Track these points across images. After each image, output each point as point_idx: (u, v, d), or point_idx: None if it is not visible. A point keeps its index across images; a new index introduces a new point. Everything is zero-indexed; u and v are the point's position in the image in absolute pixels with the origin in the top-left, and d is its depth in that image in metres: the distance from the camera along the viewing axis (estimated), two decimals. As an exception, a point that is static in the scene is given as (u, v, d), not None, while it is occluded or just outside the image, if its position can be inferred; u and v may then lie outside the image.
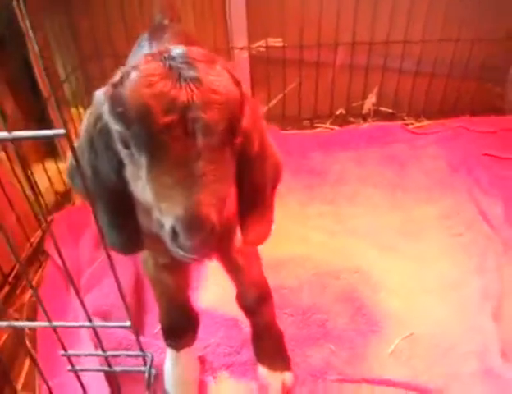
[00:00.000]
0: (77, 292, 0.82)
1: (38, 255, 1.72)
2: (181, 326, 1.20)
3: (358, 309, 1.48)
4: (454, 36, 2.12)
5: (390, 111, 2.33)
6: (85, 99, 2.21)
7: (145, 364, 0.91)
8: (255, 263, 1.17)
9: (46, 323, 0.84)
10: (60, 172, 1.88)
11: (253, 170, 0.85)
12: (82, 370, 0.94)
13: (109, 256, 0.73)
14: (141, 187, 0.73)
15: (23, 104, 1.88)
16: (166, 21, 1.53)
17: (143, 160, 0.70)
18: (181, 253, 0.70)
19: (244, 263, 1.11)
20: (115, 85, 0.72)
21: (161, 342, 1.37)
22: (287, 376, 1.25)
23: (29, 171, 1.64)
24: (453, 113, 2.27)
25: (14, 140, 0.61)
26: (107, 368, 0.92)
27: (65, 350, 0.90)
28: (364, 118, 2.35)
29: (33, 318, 1.51)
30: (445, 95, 2.27)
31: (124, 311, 1.43)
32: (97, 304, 1.48)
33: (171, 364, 1.23)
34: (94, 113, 0.78)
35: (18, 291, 1.60)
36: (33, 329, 1.43)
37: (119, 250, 0.89)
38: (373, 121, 2.33)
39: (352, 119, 2.35)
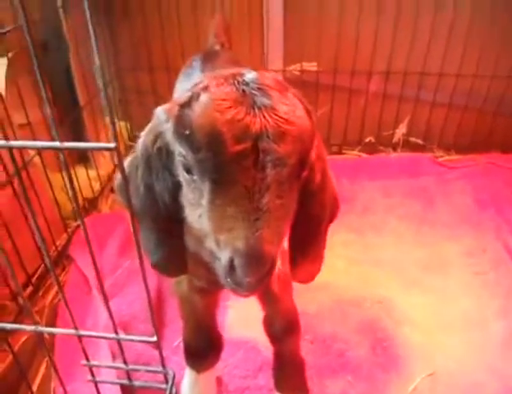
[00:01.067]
0: (106, 300, 0.82)
1: (62, 259, 1.74)
2: (205, 347, 1.18)
3: (380, 340, 1.45)
4: (490, 72, 2.11)
5: (421, 142, 2.32)
6: (119, 109, 2.26)
7: (166, 381, 0.90)
8: (288, 291, 1.14)
9: (72, 331, 0.84)
10: (89, 179, 1.91)
11: (313, 204, 0.80)
12: (102, 382, 0.93)
13: (143, 268, 0.72)
14: (198, 214, 0.69)
15: (60, 113, 1.93)
16: (217, 47, 1.54)
17: (206, 187, 0.66)
18: (233, 286, 0.67)
19: (277, 290, 1.07)
20: (182, 106, 0.68)
21: (179, 358, 1.36)
22: (305, 408, 1.22)
23: (66, 177, 1.67)
24: (484, 149, 2.24)
25: (62, 150, 0.62)
26: (127, 382, 0.91)
27: (87, 360, 0.89)
28: (394, 148, 2.33)
29: (52, 321, 1.52)
30: (477, 130, 2.25)
31: (144, 323, 1.45)
32: (117, 314, 1.47)
33: (190, 384, 1.22)
34: (154, 130, 0.76)
35: (40, 293, 1.61)
36: (52, 334, 1.44)
37: (161, 271, 0.88)
38: (403, 151, 2.31)
39: (381, 148, 2.33)
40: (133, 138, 2.27)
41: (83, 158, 2.03)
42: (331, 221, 0.90)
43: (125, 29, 2.13)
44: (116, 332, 0.85)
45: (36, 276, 1.64)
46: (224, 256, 0.64)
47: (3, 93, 1.52)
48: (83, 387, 1.25)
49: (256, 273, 0.63)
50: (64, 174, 1.75)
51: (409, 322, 1.51)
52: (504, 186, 2.07)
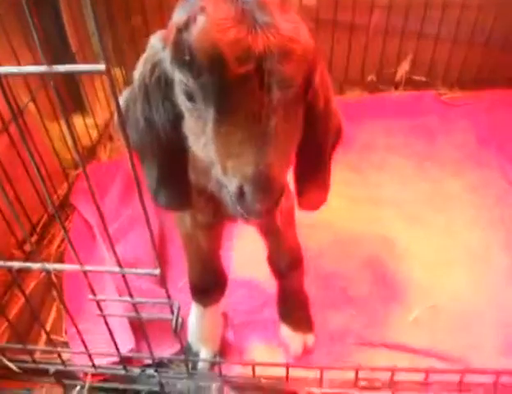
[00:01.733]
0: (110, 239, 0.83)
1: (64, 208, 1.74)
2: (210, 284, 1.20)
3: (381, 276, 1.47)
4: (496, 2, 2.01)
5: (424, 79, 2.25)
6: (112, 55, 2.20)
7: (171, 312, 0.92)
8: (291, 226, 1.15)
9: (77, 266, 0.85)
10: (87, 127, 1.89)
11: (318, 129, 0.78)
12: (110, 315, 0.96)
13: (145, 209, 0.70)
14: (203, 143, 0.67)
15: (51, 58, 1.87)
16: None
17: (210, 114, 0.64)
18: (243, 213, 0.66)
19: (281, 226, 1.07)
20: (179, 30, 0.65)
21: (184, 296, 1.39)
22: (309, 337, 1.26)
23: (64, 123, 1.64)
24: (489, 85, 2.17)
25: (52, 75, 0.60)
26: (134, 315, 0.93)
27: (94, 295, 0.91)
28: (396, 86, 2.27)
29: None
30: (482, 66, 2.17)
31: (148, 265, 1.47)
32: (122, 257, 1.49)
33: (196, 319, 1.25)
34: (151, 60, 0.73)
35: (45, 242, 1.63)
36: (59, 277, 1.47)
37: (165, 207, 0.87)
38: (405, 89, 2.25)
39: (383, 86, 2.27)
40: (128, 83, 2.21)
41: (79, 106, 1.99)
42: (334, 147, 0.88)
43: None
44: (121, 266, 0.86)
45: (40, 225, 1.65)
46: (233, 183, 0.63)
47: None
48: (93, 326, 1.28)
49: (266, 199, 0.62)
50: (62, 122, 1.73)
51: (410, 259, 1.53)
52: (508, 123, 2.03)
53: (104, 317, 0.95)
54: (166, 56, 0.69)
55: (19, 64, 1.46)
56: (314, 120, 0.76)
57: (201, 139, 0.68)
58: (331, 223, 1.64)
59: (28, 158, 1.49)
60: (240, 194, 0.63)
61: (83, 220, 1.68)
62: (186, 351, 1.24)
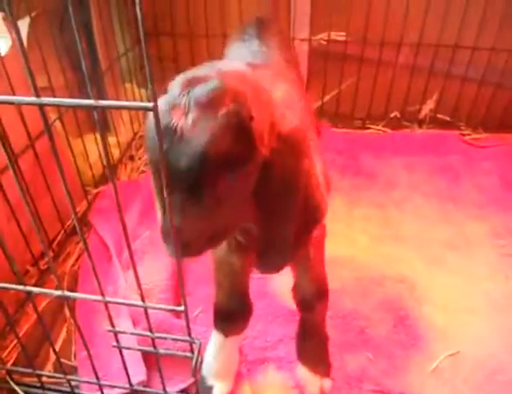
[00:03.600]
0: (133, 264, 0.81)
1: (82, 226, 1.72)
2: (237, 311, 1.18)
3: (401, 319, 1.43)
4: (526, 46, 2.01)
5: (448, 119, 2.24)
6: (139, 76, 2.22)
7: (191, 351, 0.88)
8: (320, 257, 1.14)
9: (99, 297, 0.83)
10: (109, 146, 1.89)
11: (273, 201, 0.79)
12: (127, 348, 0.93)
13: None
14: None
15: (79, 75, 1.89)
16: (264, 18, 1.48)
17: None
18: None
19: (312, 255, 1.07)
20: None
21: (199, 327, 1.36)
22: (326, 382, 1.21)
23: (100, 137, 1.64)
24: (514, 128, 2.16)
25: (97, 108, 0.58)
26: (152, 350, 0.90)
27: (112, 326, 0.88)
28: (419, 124, 2.26)
29: (72, 288, 1.52)
30: (508, 109, 2.16)
31: (163, 292, 1.44)
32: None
33: (216, 349, 1.21)
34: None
35: (60, 260, 1.61)
36: (72, 300, 1.44)
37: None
38: (429, 127, 2.24)
39: (406, 123, 2.26)
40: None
41: (102, 124, 2.00)
42: (307, 227, 0.90)
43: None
44: (143, 300, 0.83)
45: (56, 242, 1.63)
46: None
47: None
48: (104, 353, 1.25)
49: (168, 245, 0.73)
50: (85, 139, 1.73)
51: (431, 302, 1.48)
52: (533, 167, 2.01)
53: (120, 349, 0.93)
54: None
55: (50, 82, 1.47)
56: (268, 191, 0.77)
57: None
58: (353, 260, 1.61)
59: (50, 175, 1.49)
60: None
61: (99, 240, 1.66)
62: (199, 385, 1.21)
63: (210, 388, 1.20)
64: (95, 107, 0.57)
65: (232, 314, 1.18)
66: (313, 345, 1.24)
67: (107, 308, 0.85)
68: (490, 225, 1.78)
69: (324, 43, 2.11)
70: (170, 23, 2.12)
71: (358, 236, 1.72)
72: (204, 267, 1.58)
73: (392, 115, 2.27)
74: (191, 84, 0.68)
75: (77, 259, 1.64)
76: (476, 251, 1.68)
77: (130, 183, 1.93)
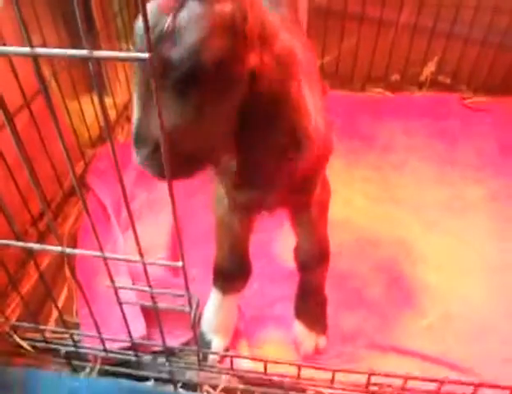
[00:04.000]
0: (132, 221, 0.81)
1: (79, 187, 1.72)
2: (236, 270, 1.19)
3: (395, 279, 1.46)
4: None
5: (449, 82, 2.21)
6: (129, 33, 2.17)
7: (190, 306, 0.90)
8: (324, 219, 1.15)
9: (98, 253, 0.84)
10: (106, 107, 1.86)
11: (258, 119, 0.76)
12: (127, 303, 0.95)
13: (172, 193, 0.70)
14: None
15: (74, 36, 1.85)
16: None
17: None
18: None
19: (314, 217, 1.08)
20: None
21: (194, 286, 1.38)
22: (321, 339, 1.25)
23: (97, 93, 1.63)
24: (515, 91, 2.13)
25: (92, 59, 0.58)
26: (151, 304, 0.92)
27: (112, 282, 0.90)
28: (420, 87, 2.23)
29: (73, 248, 1.53)
30: (511, 71, 2.13)
31: (162, 250, 1.46)
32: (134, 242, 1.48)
33: (214, 306, 1.24)
34: None
35: (59, 220, 1.62)
36: (72, 258, 1.46)
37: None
38: (429, 90, 2.21)
39: (407, 86, 2.23)
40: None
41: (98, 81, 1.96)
42: (287, 153, 0.84)
43: None
44: (142, 256, 0.84)
45: (54, 203, 1.64)
46: None
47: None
48: (105, 309, 1.28)
49: (138, 150, 0.73)
50: (81, 100, 1.71)
51: (425, 264, 1.51)
52: (532, 131, 2.00)
53: (120, 304, 0.95)
54: None
55: (43, 39, 1.44)
56: (258, 118, 0.75)
57: None
58: (351, 222, 1.63)
59: (46, 136, 1.48)
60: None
61: (97, 201, 1.67)
62: (198, 340, 1.21)
63: (209, 342, 1.24)
64: (89, 58, 0.56)
65: (231, 274, 1.20)
66: (311, 305, 1.27)
67: (106, 264, 0.86)
68: (487, 188, 1.79)
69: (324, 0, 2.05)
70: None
71: (356, 197, 1.73)
72: (200, 228, 1.60)
73: (392, 77, 2.24)
74: None
75: (76, 220, 1.65)
76: (472, 214, 1.70)
77: (126, 144, 1.89)
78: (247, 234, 1.16)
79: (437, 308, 1.38)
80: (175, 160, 0.65)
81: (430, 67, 2.18)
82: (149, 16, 0.59)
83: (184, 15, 0.63)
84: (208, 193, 1.19)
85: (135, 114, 0.70)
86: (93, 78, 0.61)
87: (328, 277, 1.41)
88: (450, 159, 1.91)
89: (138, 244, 0.83)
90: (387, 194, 1.74)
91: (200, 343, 1.23)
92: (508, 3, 1.96)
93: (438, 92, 2.20)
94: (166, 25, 0.63)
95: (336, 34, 2.12)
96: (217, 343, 1.23)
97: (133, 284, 1.34)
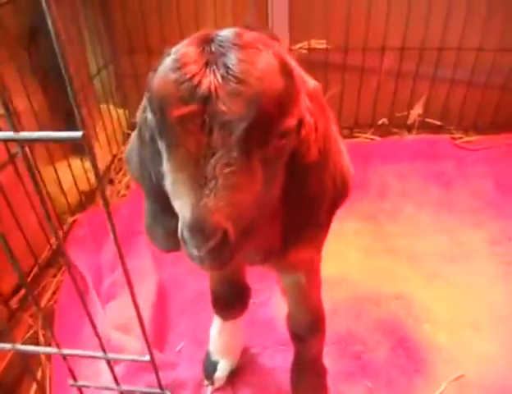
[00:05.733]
0: (92, 323, 0.71)
1: (57, 258, 1.63)
2: (231, 297, 1.16)
3: (400, 341, 1.33)
4: (513, 45, 1.94)
5: (438, 123, 2.17)
6: (116, 96, 2.13)
7: (164, 402, 0.79)
8: (315, 284, 1.06)
9: (55, 350, 0.73)
10: (85, 171, 1.80)
11: (308, 182, 0.72)
12: (93, 402, 0.83)
13: (126, 271, 0.61)
14: (165, 180, 0.66)
15: (52, 100, 1.81)
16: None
17: (164, 151, 0.64)
18: (191, 260, 0.61)
19: (304, 281, 0.99)
20: (154, 68, 0.65)
21: (183, 363, 1.29)
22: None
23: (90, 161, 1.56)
24: (506, 129, 2.09)
25: (21, 142, 0.50)
26: (120, 403, 0.81)
27: (75, 380, 0.79)
28: (409, 130, 2.19)
29: (49, 324, 1.42)
30: (499, 109, 2.09)
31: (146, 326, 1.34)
32: (117, 316, 1.37)
33: (217, 331, 1.22)
34: (144, 100, 0.71)
35: (36, 293, 1.51)
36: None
37: (160, 246, 0.84)
38: (418, 133, 2.17)
39: (395, 130, 2.19)
40: (131, 125, 2.14)
41: (79, 148, 1.91)
42: (335, 205, 0.81)
43: (121, 9, 1.99)
44: (104, 351, 0.74)
45: (30, 277, 1.53)
46: (179, 225, 0.60)
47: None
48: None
49: (202, 244, 0.57)
50: (58, 165, 1.64)
51: (430, 320, 1.39)
52: (528, 168, 1.93)
53: (86, 403, 0.83)
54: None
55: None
56: (303, 171, 0.70)
57: (165, 176, 0.66)
58: (346, 278, 1.52)
59: (18, 207, 1.40)
60: (182, 238, 0.59)
61: (77, 271, 1.56)
62: (205, 359, 1.23)
63: (215, 363, 1.22)
64: (17, 140, 0.48)
65: (225, 300, 1.17)
66: (308, 379, 1.15)
67: (65, 360, 0.75)
68: (486, 231, 1.70)
69: (305, 51, 2.04)
70: (144, 40, 2.04)
71: (349, 252, 1.63)
72: (187, 295, 1.49)
73: (380, 122, 2.20)
74: (205, 39, 0.62)
75: (54, 293, 1.54)
76: (474, 261, 1.60)
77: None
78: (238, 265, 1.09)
79: (449, 372, 1.25)
80: (238, 235, 0.59)
81: (417, 109, 2.15)
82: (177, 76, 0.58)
83: (232, 62, 0.59)
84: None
85: (186, 200, 0.58)
86: (24, 162, 0.53)
87: (326, 341, 1.30)
88: (446, 203, 1.83)
89: (100, 341, 0.72)
90: (382, 246, 1.65)
91: (207, 363, 1.23)
92: (491, 42, 1.95)
93: (428, 134, 2.16)
94: (210, 82, 0.58)
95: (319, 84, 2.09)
96: (223, 365, 1.21)
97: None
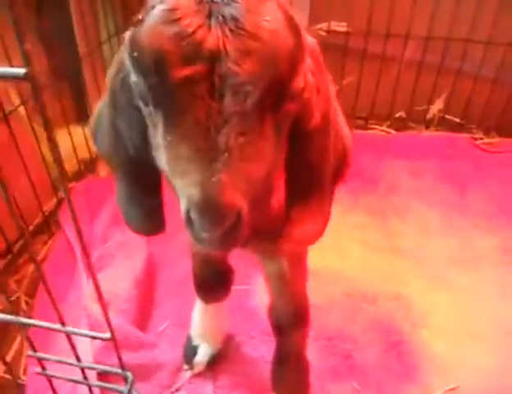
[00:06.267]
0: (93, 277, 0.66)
1: (50, 225, 1.59)
2: (212, 280, 1.12)
3: (394, 344, 1.26)
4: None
5: (458, 121, 2.06)
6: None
7: (125, 383, 0.73)
8: (301, 274, 1.00)
9: (10, 317, 0.68)
10: (86, 139, 1.74)
11: (310, 148, 0.65)
12: (54, 377, 0.78)
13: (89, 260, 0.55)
14: (160, 154, 0.57)
15: (57, 62, 1.76)
16: None
17: (159, 120, 0.54)
18: (197, 243, 0.54)
19: (288, 270, 0.93)
20: (135, 23, 0.55)
21: (163, 341, 1.25)
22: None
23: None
24: (530, 132, 1.98)
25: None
26: (83, 381, 0.76)
27: (34, 351, 0.74)
28: (427, 125, 2.08)
29: (32, 293, 1.38)
30: (525, 111, 1.97)
31: (127, 302, 1.30)
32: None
33: (199, 314, 1.19)
34: (117, 60, 0.64)
35: (21, 261, 1.48)
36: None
37: (136, 229, 0.77)
38: (437, 129, 2.06)
39: (413, 124, 2.09)
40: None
41: (83, 115, 1.86)
42: (338, 175, 0.75)
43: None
44: (63, 324, 0.68)
45: (21, 242, 1.49)
46: (182, 205, 0.52)
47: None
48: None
49: (215, 227, 0.50)
50: (57, 132, 1.59)
51: (429, 325, 1.32)
52: (550, 175, 1.82)
53: (47, 377, 0.78)
54: (126, 54, 0.59)
55: (10, 64, 1.33)
56: (305, 138, 0.64)
57: (159, 150, 0.57)
58: (343, 273, 1.45)
59: (11, 169, 1.35)
60: (188, 219, 0.52)
61: (67, 241, 1.52)
62: (186, 343, 1.19)
63: (195, 347, 1.18)
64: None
65: (208, 283, 1.12)
66: (290, 375, 1.09)
67: (23, 329, 0.70)
68: (499, 239, 1.60)
69: (323, 34, 1.94)
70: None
71: (351, 246, 1.55)
72: (175, 276, 1.44)
73: (397, 115, 2.10)
74: None
75: (43, 260, 1.50)
76: (482, 268, 1.50)
77: (107, 180, 1.78)
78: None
79: (444, 382, 1.17)
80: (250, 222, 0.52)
81: (437, 105, 2.04)
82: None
83: (241, 14, 0.50)
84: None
85: (194, 176, 0.51)
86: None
87: (314, 339, 1.23)
88: (458, 205, 1.74)
89: (58, 311, 0.67)
90: (386, 243, 1.57)
91: (187, 347, 1.19)
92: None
93: (446, 131, 2.05)
94: (218, 37, 0.50)
95: (336, 70, 1.99)
96: (203, 349, 1.17)
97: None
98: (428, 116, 2.07)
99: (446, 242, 1.59)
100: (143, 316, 1.31)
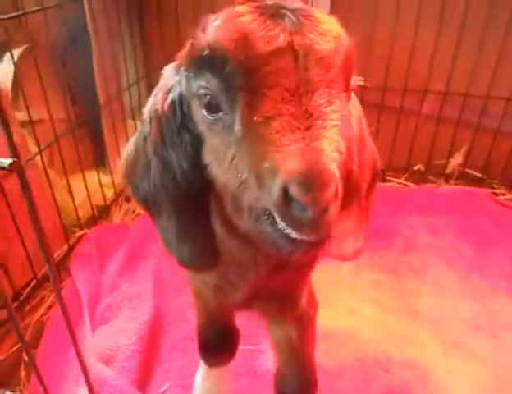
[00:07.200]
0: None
1: (59, 272, 1.58)
2: (217, 342, 1.08)
3: (408, 418, 1.18)
4: None
5: (479, 175, 2.01)
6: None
7: None
8: (309, 340, 0.97)
9: None
10: (101, 185, 1.76)
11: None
12: None
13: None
14: (230, 159, 0.55)
15: (80, 109, 1.81)
16: None
17: (237, 111, 0.54)
18: (293, 233, 0.49)
19: (295, 336, 0.91)
20: (192, 40, 0.60)
21: None
22: None
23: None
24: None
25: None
26: None
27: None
28: (446, 179, 2.04)
29: (35, 341, 1.36)
30: (549, 167, 1.92)
31: (129, 360, 1.27)
32: (103, 344, 1.29)
33: (201, 377, 1.16)
34: (163, 88, 0.66)
35: (28, 308, 1.46)
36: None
37: (192, 266, 0.73)
38: (457, 184, 2.01)
39: (432, 178, 2.05)
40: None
41: (100, 162, 1.89)
42: (371, 184, 0.74)
43: (157, 26, 1.98)
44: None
45: (27, 289, 1.49)
46: (274, 190, 0.48)
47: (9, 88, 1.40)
48: None
49: (321, 196, 0.46)
50: (73, 178, 1.61)
51: (447, 397, 1.23)
52: None
53: None
54: (178, 78, 0.64)
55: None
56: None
57: (227, 156, 0.56)
58: (356, 335, 1.38)
59: (23, 217, 1.36)
60: (285, 201, 0.47)
61: (75, 290, 1.50)
62: None
63: None
64: None
65: (212, 345, 1.09)
66: None
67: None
68: (523, 303, 1.52)
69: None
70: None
71: (365, 306, 1.49)
72: (183, 329, 1.40)
73: (416, 168, 2.07)
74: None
75: (49, 308, 1.49)
76: (503, 334, 1.42)
77: (119, 227, 1.78)
78: (227, 308, 1.01)
79: None
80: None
81: (457, 159, 2.00)
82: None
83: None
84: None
85: (289, 147, 0.49)
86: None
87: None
88: (478, 265, 1.67)
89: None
90: (402, 304, 1.50)
91: None
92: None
93: (467, 186, 2.00)
94: (292, 20, 0.55)
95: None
96: None
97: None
98: (448, 170, 2.03)
99: (465, 304, 1.51)
100: (145, 375, 1.27)
